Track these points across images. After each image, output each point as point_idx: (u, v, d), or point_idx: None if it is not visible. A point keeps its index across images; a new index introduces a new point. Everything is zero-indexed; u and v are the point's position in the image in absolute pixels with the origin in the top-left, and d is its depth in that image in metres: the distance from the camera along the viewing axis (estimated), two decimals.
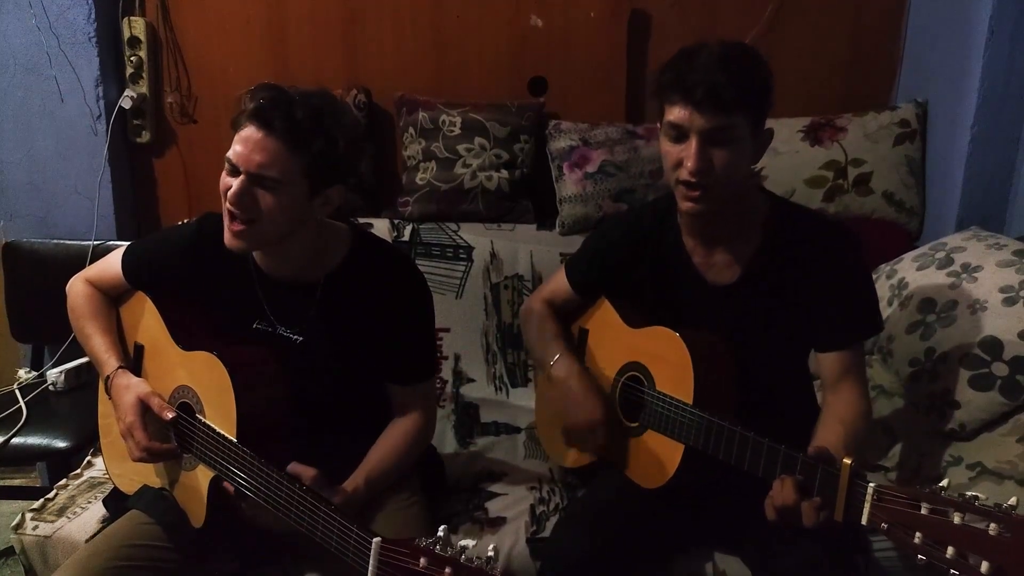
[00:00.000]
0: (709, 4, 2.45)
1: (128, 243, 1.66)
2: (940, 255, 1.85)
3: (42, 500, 1.76)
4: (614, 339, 1.64)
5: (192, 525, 1.44)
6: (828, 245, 1.46)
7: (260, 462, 1.29)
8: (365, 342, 1.50)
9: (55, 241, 2.49)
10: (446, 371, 2.28)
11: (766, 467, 1.29)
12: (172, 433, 1.47)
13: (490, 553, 1.01)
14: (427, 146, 2.40)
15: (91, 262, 2.28)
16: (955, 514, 1.03)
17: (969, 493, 1.04)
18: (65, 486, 1.83)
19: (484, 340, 2.31)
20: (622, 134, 2.37)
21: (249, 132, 1.35)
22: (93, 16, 2.45)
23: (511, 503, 1.75)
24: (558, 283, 1.78)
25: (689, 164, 1.35)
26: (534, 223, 2.41)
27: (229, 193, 1.37)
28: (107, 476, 1.69)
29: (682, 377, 1.45)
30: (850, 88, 2.48)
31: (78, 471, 1.91)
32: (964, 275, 1.75)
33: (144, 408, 1.46)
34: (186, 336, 1.50)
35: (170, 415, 1.44)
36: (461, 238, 2.35)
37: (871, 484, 1.14)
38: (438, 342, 2.25)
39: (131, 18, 2.50)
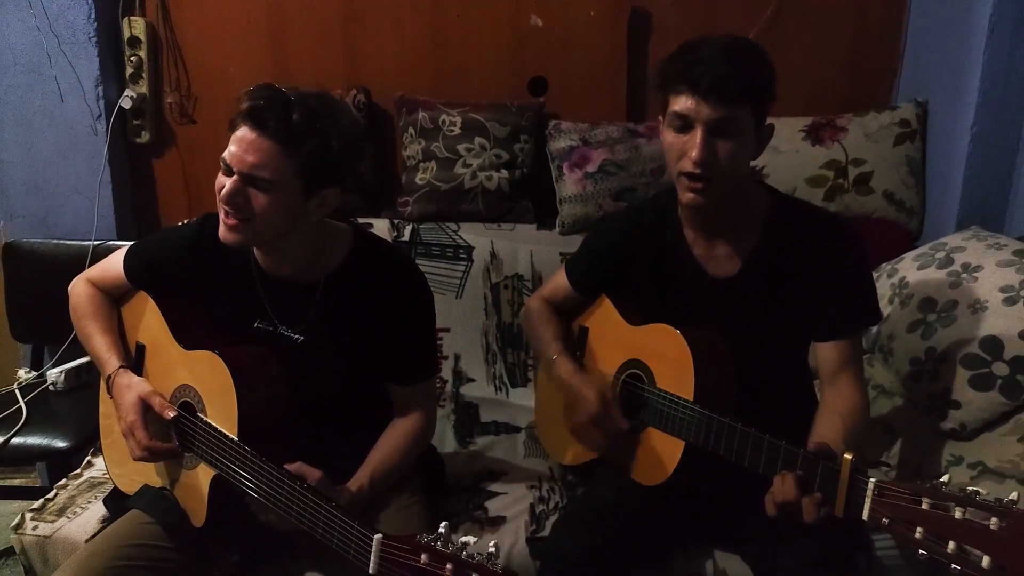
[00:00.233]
0: (709, 3, 2.45)
1: (130, 243, 1.66)
2: (940, 255, 1.85)
3: (42, 500, 1.76)
4: (614, 337, 1.65)
5: (193, 524, 1.44)
6: (827, 237, 1.47)
7: (261, 460, 1.30)
8: (366, 342, 1.50)
9: (55, 241, 2.49)
10: (446, 371, 2.29)
11: (766, 463, 1.29)
12: (173, 432, 1.47)
13: (491, 549, 1.01)
14: (427, 146, 2.40)
15: (91, 262, 2.29)
16: (956, 509, 1.03)
17: (970, 488, 1.05)
18: (65, 486, 1.83)
19: (484, 340, 2.31)
20: (623, 133, 2.37)
21: (243, 132, 1.35)
22: (93, 16, 2.45)
23: (511, 502, 1.75)
24: (558, 282, 1.79)
25: (694, 154, 1.35)
26: (534, 223, 2.41)
27: (222, 193, 1.37)
28: (107, 476, 1.69)
29: (682, 374, 1.45)
30: (850, 88, 2.49)
31: (78, 471, 1.91)
32: (964, 275, 1.75)
33: (145, 407, 1.46)
34: (187, 335, 1.50)
35: (171, 414, 1.44)
36: (461, 238, 2.35)
37: (872, 479, 1.14)
38: (438, 342, 2.25)
39: (131, 18, 2.50)
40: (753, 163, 2.29)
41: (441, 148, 2.39)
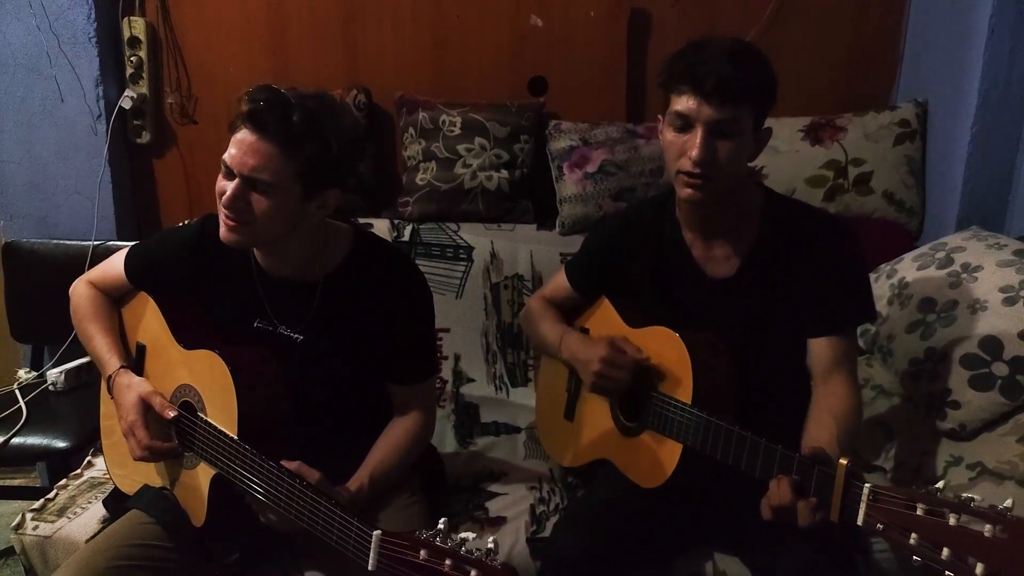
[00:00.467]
0: (709, 3, 2.45)
1: (130, 244, 1.66)
2: (940, 255, 1.85)
3: (42, 500, 1.76)
4: None
5: (193, 524, 1.44)
6: (823, 235, 1.48)
7: (261, 459, 1.30)
8: (365, 341, 1.50)
9: (55, 241, 2.49)
10: (446, 371, 2.28)
11: (763, 467, 1.29)
12: (173, 432, 1.47)
13: (490, 545, 1.01)
14: (427, 146, 2.40)
15: (91, 262, 2.29)
16: (951, 515, 1.03)
17: (965, 495, 1.04)
18: (65, 486, 1.83)
19: (484, 340, 2.31)
20: (622, 133, 2.37)
21: (243, 135, 1.35)
22: (93, 16, 2.45)
23: (511, 503, 1.75)
24: (558, 283, 1.79)
25: (693, 154, 1.37)
26: (534, 223, 2.41)
27: (224, 197, 1.37)
28: (107, 476, 1.69)
29: (681, 377, 1.45)
30: (850, 88, 2.49)
31: (78, 471, 1.91)
32: (964, 275, 1.75)
33: (146, 407, 1.46)
34: (187, 335, 1.50)
35: (172, 414, 1.44)
36: (461, 238, 2.35)
37: (867, 485, 1.14)
38: (438, 342, 2.25)
39: (131, 18, 2.50)
40: (752, 163, 2.31)
41: (441, 148, 2.39)
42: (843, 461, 1.17)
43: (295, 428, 1.42)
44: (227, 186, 1.37)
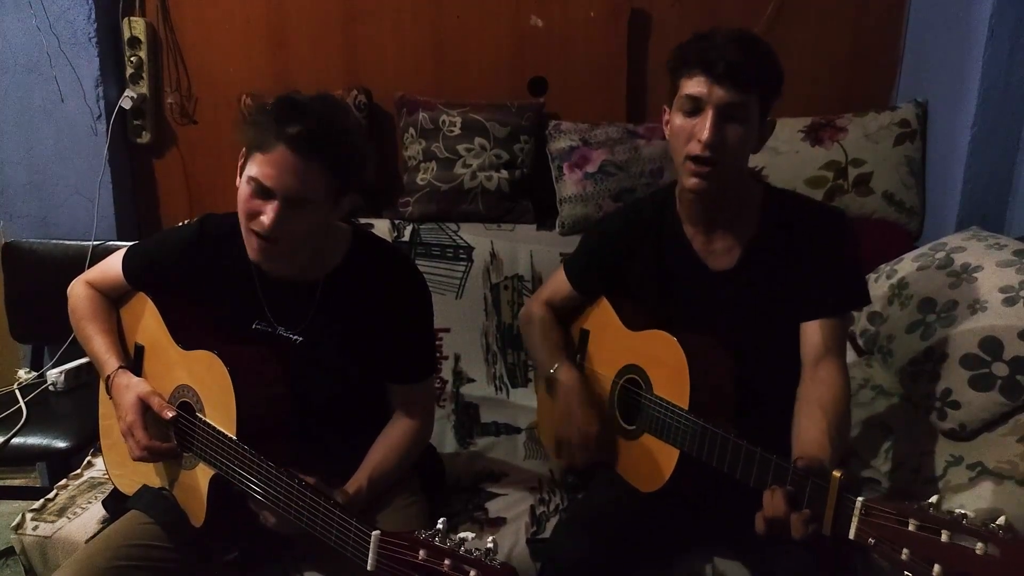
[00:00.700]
0: (709, 3, 2.45)
1: (129, 244, 1.66)
2: (940, 255, 1.85)
3: (42, 500, 1.76)
4: (614, 341, 1.65)
5: (192, 524, 1.44)
6: (819, 223, 1.50)
7: (260, 459, 1.30)
8: (365, 341, 1.50)
9: (55, 241, 2.49)
10: (446, 371, 2.28)
11: (757, 477, 1.29)
12: (172, 432, 1.47)
13: (489, 545, 1.01)
14: (427, 146, 2.40)
15: (91, 262, 2.29)
16: (943, 531, 1.03)
17: (957, 511, 1.04)
18: (65, 486, 1.83)
19: (484, 340, 2.31)
20: (622, 134, 2.37)
21: (282, 155, 1.32)
22: (93, 16, 2.45)
23: (511, 503, 1.75)
24: (558, 283, 1.79)
25: (704, 136, 1.38)
26: (534, 223, 2.41)
27: (264, 220, 1.35)
28: (107, 476, 1.69)
29: (678, 382, 1.45)
30: (850, 88, 2.49)
31: (78, 471, 1.91)
32: (964, 275, 1.75)
33: (144, 407, 1.46)
34: (186, 336, 1.50)
35: (170, 414, 1.44)
36: (461, 238, 2.35)
37: (859, 499, 1.14)
38: (438, 342, 2.25)
39: (131, 18, 2.50)
40: (753, 164, 2.31)
41: (441, 148, 2.39)
42: (836, 474, 1.17)
43: (294, 429, 1.42)
44: (262, 207, 1.35)
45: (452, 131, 2.38)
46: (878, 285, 1.95)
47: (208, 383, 1.42)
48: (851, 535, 1.14)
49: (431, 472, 1.70)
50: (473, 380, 2.29)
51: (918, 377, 1.71)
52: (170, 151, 2.64)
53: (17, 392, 2.21)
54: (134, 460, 1.47)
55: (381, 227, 2.36)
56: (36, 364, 2.46)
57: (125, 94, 2.52)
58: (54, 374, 2.24)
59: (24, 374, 2.37)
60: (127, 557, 1.40)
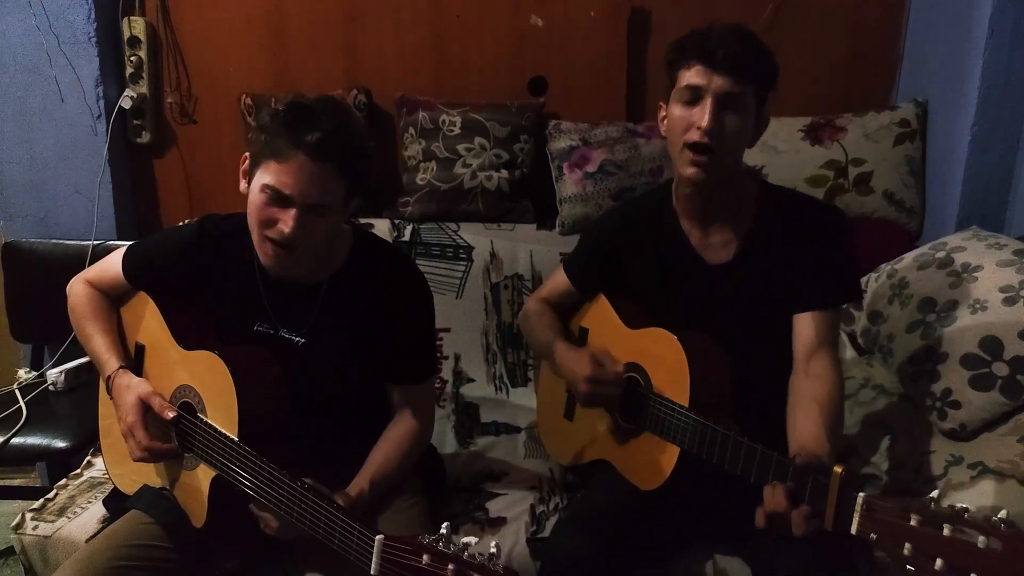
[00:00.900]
0: (709, 3, 2.44)
1: (129, 243, 1.66)
2: (940, 255, 1.85)
3: (42, 500, 1.76)
4: (612, 340, 1.64)
5: (193, 525, 1.44)
6: (814, 218, 1.52)
7: (262, 461, 1.29)
8: (367, 342, 1.50)
9: (55, 241, 2.49)
10: (446, 371, 2.28)
11: (758, 473, 1.29)
12: (173, 433, 1.47)
13: (492, 550, 1.01)
14: (427, 146, 2.40)
15: (91, 262, 2.28)
16: (944, 526, 1.03)
17: (959, 505, 1.04)
18: (65, 486, 1.83)
19: (484, 340, 2.31)
20: (622, 133, 2.37)
21: (301, 163, 1.32)
22: (93, 16, 2.45)
23: (511, 503, 1.75)
24: (557, 281, 1.80)
25: (703, 123, 1.40)
26: (534, 223, 2.41)
27: (284, 228, 1.35)
28: (107, 476, 1.69)
29: (678, 380, 1.45)
30: (850, 88, 2.49)
31: (78, 471, 1.91)
32: (964, 275, 1.75)
33: (145, 408, 1.46)
34: (187, 336, 1.50)
35: (171, 415, 1.44)
36: (461, 238, 2.35)
37: (860, 494, 1.14)
38: (438, 342, 2.25)
39: (131, 18, 2.50)
40: (753, 163, 2.31)
41: (441, 148, 2.39)
42: (837, 469, 1.17)
43: (295, 430, 1.42)
44: (280, 214, 1.35)
45: (452, 131, 2.38)
46: (878, 285, 1.95)
47: (209, 384, 1.42)
48: (853, 530, 1.14)
49: (432, 472, 1.70)
50: (473, 380, 2.29)
51: (918, 377, 1.71)
52: (170, 151, 2.64)
53: (17, 392, 2.21)
54: (134, 461, 1.47)
55: (381, 227, 2.37)
56: (36, 364, 2.46)
57: (125, 94, 2.52)
58: (54, 374, 2.24)
59: (24, 374, 2.37)
60: (127, 557, 1.39)
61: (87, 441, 2.03)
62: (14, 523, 1.68)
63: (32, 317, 2.43)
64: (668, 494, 1.47)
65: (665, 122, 1.51)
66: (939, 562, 1.02)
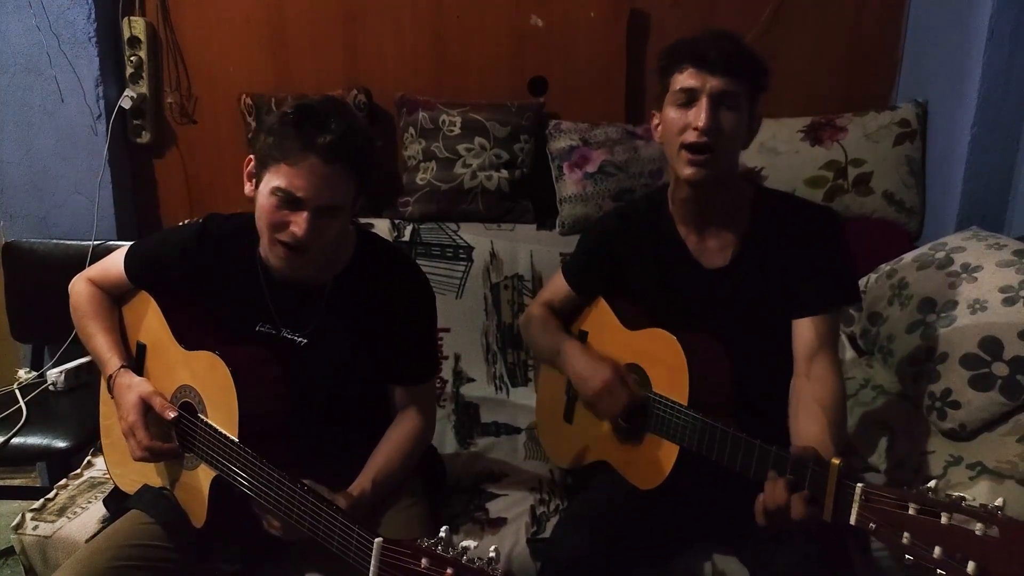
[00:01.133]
0: (708, 4, 2.45)
1: (130, 243, 1.66)
2: (940, 255, 1.85)
3: (42, 500, 1.76)
4: (612, 341, 1.65)
5: (193, 525, 1.44)
6: (808, 221, 1.53)
7: (262, 462, 1.29)
8: (369, 343, 1.50)
9: (55, 241, 2.49)
10: (446, 371, 2.28)
11: (757, 468, 1.29)
12: (174, 433, 1.47)
13: (491, 554, 1.01)
14: (427, 146, 2.40)
15: (91, 262, 2.28)
16: (943, 514, 1.04)
17: (956, 493, 1.05)
18: (65, 486, 1.83)
19: (484, 340, 2.31)
20: (622, 134, 2.37)
21: (314, 165, 1.32)
22: (93, 16, 2.45)
23: (511, 504, 1.75)
24: (556, 285, 1.80)
25: (700, 122, 1.41)
26: (534, 223, 2.41)
27: (296, 231, 1.35)
28: (107, 476, 1.69)
29: (677, 379, 1.46)
30: (850, 88, 2.49)
31: (78, 471, 1.91)
32: (964, 275, 1.75)
33: (146, 407, 1.46)
34: (189, 336, 1.50)
35: (172, 415, 1.44)
36: (461, 238, 2.35)
37: (859, 484, 1.14)
38: (438, 342, 2.25)
39: (131, 18, 2.50)
40: (752, 164, 2.31)
41: (441, 148, 2.39)
42: (835, 461, 1.18)
43: (296, 431, 1.42)
44: (291, 217, 1.35)
45: (452, 131, 2.38)
46: (878, 285, 1.95)
47: (210, 384, 1.42)
48: (852, 520, 1.15)
49: (432, 473, 1.70)
50: (473, 380, 2.29)
51: (918, 377, 1.71)
52: (170, 151, 2.64)
53: (17, 392, 2.21)
54: (135, 460, 1.47)
55: (381, 227, 2.37)
56: (36, 364, 2.46)
57: (125, 94, 2.52)
58: (54, 374, 2.24)
59: (24, 374, 2.37)
60: (127, 557, 1.39)
61: (87, 441, 2.03)
62: (14, 523, 1.68)
63: (32, 317, 2.43)
64: (667, 494, 1.47)
65: (659, 128, 1.53)
66: (937, 550, 1.03)
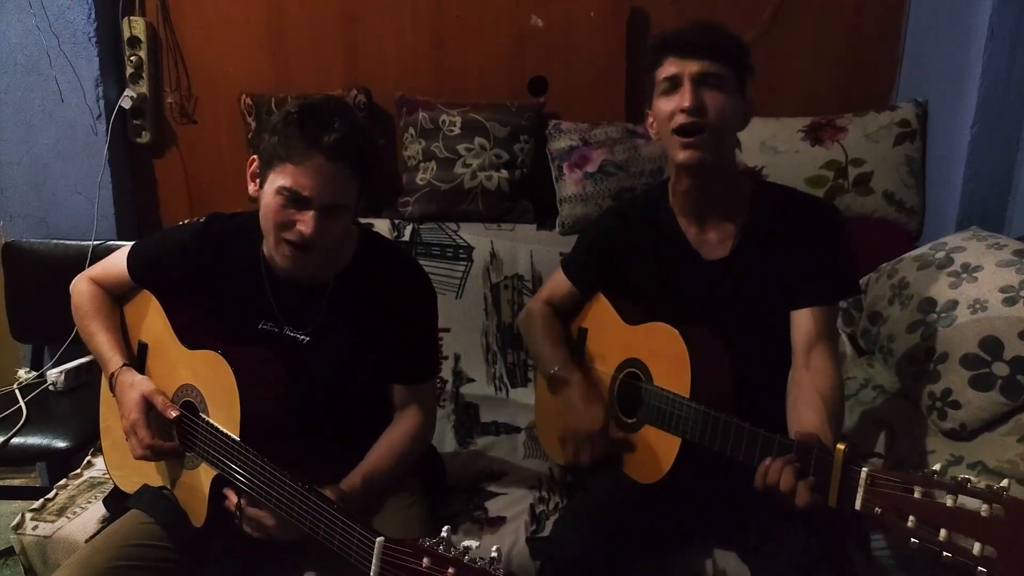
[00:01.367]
0: (708, 3, 2.45)
1: (132, 243, 1.66)
2: (940, 255, 1.85)
3: (42, 500, 1.76)
4: (612, 337, 1.66)
5: (193, 524, 1.44)
6: (808, 213, 1.54)
7: (263, 461, 1.29)
8: (370, 341, 1.50)
9: (55, 241, 2.49)
10: (446, 371, 2.29)
11: (761, 456, 1.30)
12: (175, 432, 1.47)
13: (493, 554, 1.01)
14: (427, 146, 2.40)
15: (91, 262, 2.29)
16: (948, 497, 1.04)
17: (961, 476, 1.05)
18: (65, 486, 1.83)
19: (484, 340, 2.31)
20: (622, 134, 2.37)
21: (320, 164, 1.33)
22: (93, 16, 2.45)
23: (511, 503, 1.75)
24: (556, 281, 1.80)
25: (685, 102, 1.44)
26: (534, 223, 2.41)
27: (303, 229, 1.35)
28: (107, 476, 1.69)
29: (679, 371, 1.46)
30: (850, 88, 2.49)
31: (78, 471, 1.91)
32: (964, 275, 1.75)
33: (148, 406, 1.46)
34: (190, 335, 1.50)
35: (174, 413, 1.44)
36: (461, 238, 2.35)
37: (864, 469, 1.15)
38: (439, 342, 2.25)
39: (131, 18, 2.50)
40: (753, 164, 2.31)
41: (441, 148, 2.39)
42: (840, 446, 1.19)
43: (297, 430, 1.42)
44: (297, 216, 1.36)
45: (452, 131, 2.38)
46: (878, 285, 1.95)
47: (212, 383, 1.42)
48: (857, 505, 1.15)
49: (431, 472, 1.70)
50: (473, 380, 2.29)
51: (918, 377, 1.71)
52: (170, 151, 2.64)
53: (17, 392, 2.21)
54: (136, 459, 1.47)
55: (381, 227, 2.37)
56: (36, 364, 2.46)
57: (125, 94, 2.52)
58: (54, 374, 2.24)
59: (24, 374, 2.37)
60: (127, 557, 1.39)
61: (87, 441, 2.03)
62: (14, 523, 1.68)
63: (32, 317, 2.43)
64: (668, 488, 1.48)
65: (654, 125, 1.55)
66: (943, 532, 1.04)
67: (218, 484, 1.39)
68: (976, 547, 1.00)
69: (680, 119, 1.45)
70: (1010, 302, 1.63)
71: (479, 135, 2.38)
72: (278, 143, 1.35)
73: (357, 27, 2.52)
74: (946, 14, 2.24)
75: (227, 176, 2.58)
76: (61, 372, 2.23)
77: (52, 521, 1.68)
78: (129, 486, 1.58)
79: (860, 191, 2.29)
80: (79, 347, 1.85)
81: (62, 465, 2.05)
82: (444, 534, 1.05)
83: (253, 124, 2.47)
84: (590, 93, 2.51)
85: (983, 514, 1.00)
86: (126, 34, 2.51)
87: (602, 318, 1.70)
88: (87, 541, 1.53)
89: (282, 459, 1.30)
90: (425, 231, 2.37)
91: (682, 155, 1.47)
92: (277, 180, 1.35)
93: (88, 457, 1.97)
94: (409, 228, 2.38)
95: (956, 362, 1.64)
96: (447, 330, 2.28)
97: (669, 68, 1.47)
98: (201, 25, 2.55)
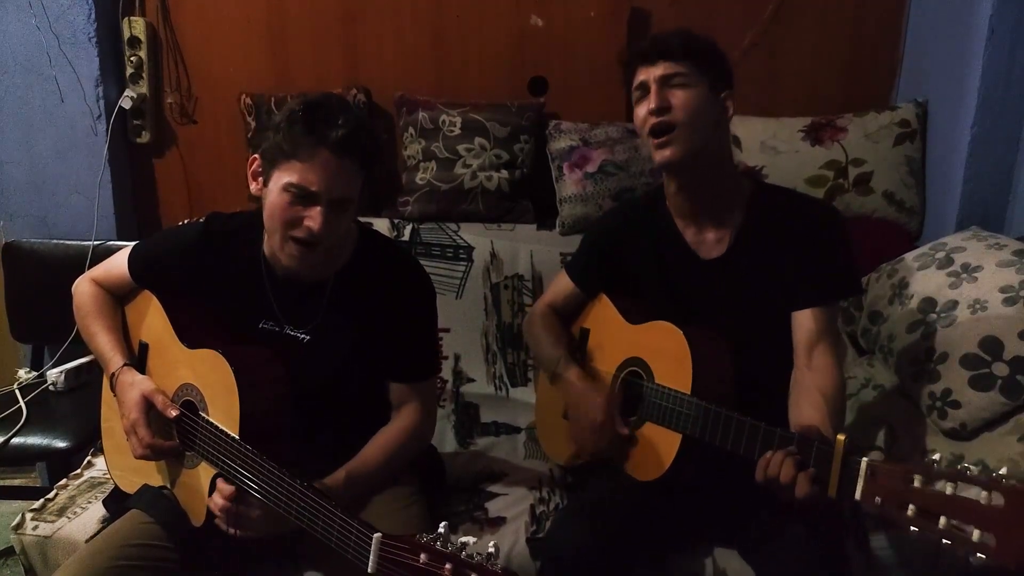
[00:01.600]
0: (708, 3, 2.45)
1: (132, 243, 1.66)
2: (940, 255, 1.85)
3: (42, 500, 1.76)
4: (614, 337, 1.66)
5: (193, 524, 1.44)
6: (806, 213, 1.54)
7: (262, 459, 1.29)
8: (371, 340, 1.50)
9: (55, 241, 2.49)
10: (446, 371, 2.29)
11: (762, 450, 1.30)
12: (175, 431, 1.47)
13: (490, 549, 1.01)
14: (427, 146, 2.40)
15: (91, 262, 2.29)
16: (947, 485, 1.04)
17: (960, 465, 1.05)
18: (65, 486, 1.83)
19: (484, 340, 2.31)
20: (622, 133, 2.37)
21: (327, 159, 1.34)
22: (93, 16, 2.45)
23: (511, 503, 1.75)
24: (560, 284, 1.81)
25: (651, 105, 1.47)
26: (534, 223, 2.42)
27: (312, 225, 1.36)
28: (107, 476, 1.69)
29: (680, 368, 1.47)
30: (850, 88, 2.49)
31: (78, 471, 1.91)
32: (964, 275, 1.75)
33: (148, 405, 1.46)
34: (191, 334, 1.50)
35: (174, 413, 1.44)
36: (461, 238, 2.35)
37: (864, 459, 1.15)
38: (439, 341, 2.25)
39: (131, 18, 2.50)
40: (753, 164, 2.31)
41: (441, 148, 2.39)
42: (841, 437, 1.19)
43: (297, 429, 1.42)
44: (305, 212, 1.37)
45: (452, 131, 2.39)
46: (878, 284, 1.96)
47: (212, 382, 1.42)
48: (857, 496, 1.15)
49: (431, 472, 1.70)
50: (473, 380, 2.29)
51: (919, 376, 1.72)
52: (170, 151, 2.64)
53: (17, 392, 2.21)
54: (136, 458, 1.47)
55: (381, 226, 2.37)
56: (36, 364, 2.46)
57: (125, 94, 2.52)
58: (54, 374, 2.24)
59: (24, 374, 2.37)
60: (127, 557, 1.39)
61: (87, 441, 2.03)
62: (14, 523, 1.68)
63: (32, 317, 2.43)
64: (668, 487, 1.48)
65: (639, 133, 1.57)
66: (942, 520, 1.04)
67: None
68: (975, 534, 1.01)
69: (651, 121, 1.49)
70: (1010, 302, 1.63)
71: (479, 135, 2.38)
72: (283, 140, 1.35)
73: (357, 27, 2.53)
74: (946, 14, 2.24)
75: (227, 176, 2.58)
76: (61, 372, 2.23)
77: (52, 521, 1.68)
78: (130, 487, 1.58)
79: (860, 191, 2.29)
80: (79, 347, 1.85)
81: (62, 465, 2.05)
82: (441, 530, 1.05)
83: (253, 124, 2.47)
84: (590, 93, 2.51)
85: (982, 501, 1.01)
86: (126, 34, 2.51)
87: (604, 318, 1.71)
88: (87, 541, 1.53)
89: (282, 457, 1.30)
90: (425, 231, 2.37)
91: (657, 156, 1.50)
92: (283, 177, 1.35)
93: (88, 457, 1.97)
94: (409, 228, 2.38)
95: (956, 362, 1.64)
96: (447, 330, 2.28)
97: (638, 77, 1.52)
98: (201, 25, 2.55)
